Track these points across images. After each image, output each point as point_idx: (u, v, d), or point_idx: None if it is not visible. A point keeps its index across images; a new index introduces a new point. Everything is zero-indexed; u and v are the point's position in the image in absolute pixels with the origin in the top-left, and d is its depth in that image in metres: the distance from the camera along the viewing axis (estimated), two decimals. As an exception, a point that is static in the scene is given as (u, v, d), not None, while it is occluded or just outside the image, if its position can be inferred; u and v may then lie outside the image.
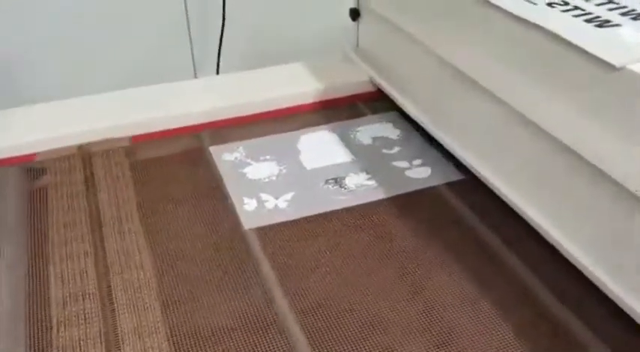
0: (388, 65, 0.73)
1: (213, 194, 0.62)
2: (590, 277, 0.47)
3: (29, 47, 1.00)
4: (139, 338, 0.47)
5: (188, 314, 0.49)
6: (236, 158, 0.67)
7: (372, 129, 0.71)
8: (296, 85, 0.78)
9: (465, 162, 0.60)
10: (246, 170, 0.65)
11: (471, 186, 0.61)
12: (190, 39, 1.10)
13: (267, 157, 0.67)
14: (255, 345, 0.46)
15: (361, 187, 0.62)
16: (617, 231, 0.45)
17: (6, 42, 0.98)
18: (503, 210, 0.57)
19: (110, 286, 0.51)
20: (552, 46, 0.47)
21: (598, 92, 0.44)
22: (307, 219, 0.58)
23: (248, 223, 0.58)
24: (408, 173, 0.64)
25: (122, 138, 0.69)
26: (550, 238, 0.50)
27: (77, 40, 1.02)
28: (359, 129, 0.72)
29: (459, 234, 0.56)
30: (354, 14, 0.79)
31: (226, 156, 0.67)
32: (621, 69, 0.42)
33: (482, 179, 0.58)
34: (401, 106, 0.70)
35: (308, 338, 0.46)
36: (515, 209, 0.54)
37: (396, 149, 0.68)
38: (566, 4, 0.50)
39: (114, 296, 0.50)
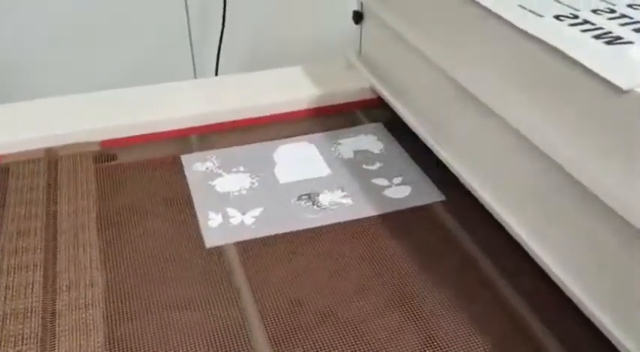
0: (388, 72, 0.70)
1: (179, 207, 0.59)
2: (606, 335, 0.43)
3: (28, 46, 0.98)
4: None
5: (133, 333, 0.46)
6: (207, 168, 0.64)
7: (355, 142, 0.68)
8: (292, 90, 0.75)
9: (461, 180, 0.56)
10: (216, 182, 0.62)
11: (453, 207, 0.58)
12: (191, 40, 1.07)
13: (241, 169, 0.64)
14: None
15: (335, 205, 0.58)
16: (617, 267, 0.41)
17: (5, 41, 0.97)
18: (485, 235, 0.53)
19: (55, 304, 0.48)
20: (555, 62, 0.43)
21: (602, 115, 0.40)
22: (273, 238, 0.55)
23: (210, 241, 0.54)
24: (387, 192, 0.60)
25: (91, 143, 0.66)
26: (552, 274, 0.46)
27: (77, 39, 1.00)
28: (341, 141, 0.68)
29: (435, 261, 0.52)
30: (357, 17, 0.75)
31: (197, 166, 0.64)
32: (629, 92, 0.38)
33: (478, 198, 0.54)
34: (400, 116, 0.66)
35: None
36: (505, 226, 0.51)
37: (377, 165, 0.64)
38: (575, 17, 0.46)
39: (57, 315, 0.47)
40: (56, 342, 0.45)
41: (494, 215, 0.52)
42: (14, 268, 0.51)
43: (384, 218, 0.57)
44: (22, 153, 0.65)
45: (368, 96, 0.75)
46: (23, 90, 0.99)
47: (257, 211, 0.58)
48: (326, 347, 0.45)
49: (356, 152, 0.66)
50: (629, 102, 0.38)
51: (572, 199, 0.44)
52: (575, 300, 0.45)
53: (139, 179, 0.63)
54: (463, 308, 0.48)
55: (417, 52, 0.61)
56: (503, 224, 0.51)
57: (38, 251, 0.53)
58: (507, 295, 0.49)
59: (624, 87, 0.38)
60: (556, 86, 0.44)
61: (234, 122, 0.71)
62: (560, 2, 0.49)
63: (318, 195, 0.60)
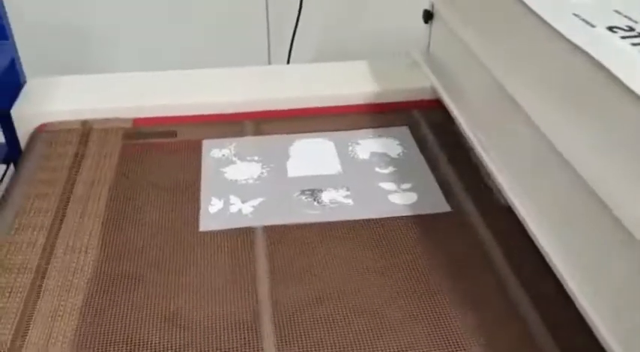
0: (450, 74, 0.68)
1: (187, 189, 0.60)
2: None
3: (106, 21, 1.06)
4: (51, 320, 0.46)
5: (110, 298, 0.48)
6: (224, 155, 0.65)
7: (375, 144, 0.67)
8: (351, 84, 0.75)
9: (502, 191, 0.54)
10: (227, 169, 0.63)
11: (457, 221, 0.55)
12: (268, 26, 1.10)
13: (255, 158, 0.65)
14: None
15: (334, 204, 0.58)
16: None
17: (87, 16, 1.05)
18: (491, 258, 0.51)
19: (48, 264, 0.51)
20: (594, 73, 0.40)
21: (630, 131, 0.38)
22: (265, 229, 0.55)
23: (204, 225, 0.56)
24: (392, 197, 0.59)
25: (124, 120, 0.70)
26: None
27: (153, 18, 1.06)
28: (360, 141, 0.67)
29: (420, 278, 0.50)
30: (427, 16, 0.74)
31: (215, 153, 0.65)
32: None
33: (514, 210, 0.52)
34: (454, 119, 0.64)
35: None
36: (539, 246, 0.48)
37: (390, 169, 0.63)
38: (631, 29, 0.43)
39: (47, 275, 0.50)
40: (39, 300, 0.48)
41: (530, 233, 0.49)
42: (22, 226, 0.55)
43: (378, 222, 0.56)
44: (62, 122, 0.70)
45: (428, 96, 0.74)
46: (97, 61, 1.08)
47: (257, 201, 0.58)
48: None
49: (372, 154, 0.65)
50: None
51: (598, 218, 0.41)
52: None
53: (160, 158, 0.65)
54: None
55: (475, 57, 0.59)
56: (538, 246, 0.48)
57: (48, 214, 0.57)
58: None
59: None
60: (595, 98, 0.42)
61: (288, 111, 0.72)
62: (619, 13, 0.46)
63: (321, 192, 0.59)
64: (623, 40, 0.42)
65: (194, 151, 0.66)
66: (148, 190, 0.60)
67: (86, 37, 1.08)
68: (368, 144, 0.67)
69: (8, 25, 0.72)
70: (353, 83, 0.76)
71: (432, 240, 0.54)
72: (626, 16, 0.46)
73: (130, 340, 0.45)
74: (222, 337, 0.45)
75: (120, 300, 0.48)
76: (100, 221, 0.56)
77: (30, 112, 0.70)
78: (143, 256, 0.53)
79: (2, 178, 0.65)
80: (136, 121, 0.70)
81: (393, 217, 0.56)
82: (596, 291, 0.42)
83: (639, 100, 0.37)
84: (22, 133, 0.70)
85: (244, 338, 0.45)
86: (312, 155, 0.65)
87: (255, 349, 0.44)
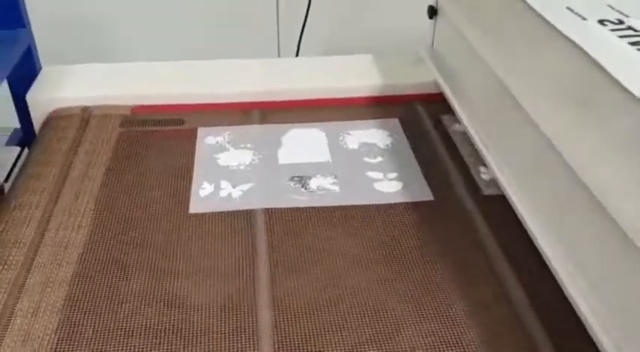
0: (452, 69, 0.69)
1: (179, 173, 0.62)
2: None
3: (120, 12, 1.09)
4: (42, 290, 0.48)
5: (97, 269, 0.50)
6: (217, 142, 0.67)
7: (365, 135, 0.68)
8: (355, 77, 0.77)
9: (500, 186, 0.54)
10: (221, 155, 0.65)
11: (437, 209, 0.57)
12: (278, 20, 1.13)
13: (248, 146, 0.66)
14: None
15: (322, 190, 0.59)
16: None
17: (103, 6, 1.09)
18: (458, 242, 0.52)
19: (42, 239, 0.54)
20: (582, 64, 0.42)
21: (618, 124, 0.39)
22: (252, 213, 0.57)
23: (194, 207, 0.58)
24: (377, 185, 0.60)
25: (122, 107, 0.72)
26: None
27: (167, 10, 1.09)
28: (351, 132, 0.69)
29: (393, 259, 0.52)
30: (432, 12, 0.75)
31: (209, 140, 0.67)
32: None
33: (514, 209, 0.52)
34: (456, 115, 0.66)
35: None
36: (535, 242, 0.49)
37: (378, 159, 0.64)
38: (621, 22, 0.45)
39: (39, 250, 0.53)
40: (30, 273, 0.50)
41: (525, 225, 0.50)
42: (20, 205, 0.57)
43: (362, 209, 0.57)
44: (70, 108, 0.72)
45: (431, 90, 0.75)
46: (107, 49, 1.11)
47: (247, 186, 0.60)
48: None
49: (362, 144, 0.67)
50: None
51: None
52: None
53: (156, 144, 0.67)
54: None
55: (475, 53, 0.60)
56: (532, 237, 0.49)
57: (45, 193, 0.59)
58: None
59: (638, 94, 0.36)
60: (583, 91, 0.42)
61: (294, 102, 0.74)
62: (612, 8, 0.48)
63: (309, 179, 0.61)
64: (612, 32, 0.43)
65: (191, 138, 0.68)
66: (143, 174, 0.62)
67: (101, 26, 1.12)
68: (358, 135, 0.68)
69: (25, 13, 0.75)
70: (357, 76, 0.77)
71: (412, 225, 0.55)
72: (617, 11, 0.47)
73: (116, 309, 0.47)
74: (212, 312, 0.47)
75: (108, 273, 0.50)
76: (93, 200, 0.59)
77: (43, 98, 0.73)
78: (132, 234, 0.55)
79: (16, 161, 0.67)
80: (143, 108, 0.72)
81: (377, 204, 0.58)
82: (592, 287, 0.42)
83: (626, 91, 0.37)
84: (36, 118, 0.72)
85: (232, 314, 0.47)
86: (303, 144, 0.67)
87: (248, 323, 0.46)
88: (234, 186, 0.60)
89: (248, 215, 0.57)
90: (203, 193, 0.59)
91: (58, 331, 0.45)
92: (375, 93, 0.76)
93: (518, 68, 0.52)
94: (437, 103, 0.73)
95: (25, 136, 0.74)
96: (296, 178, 0.61)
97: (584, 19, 0.46)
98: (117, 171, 0.63)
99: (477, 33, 0.61)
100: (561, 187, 0.46)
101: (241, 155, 0.65)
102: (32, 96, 0.73)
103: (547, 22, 0.47)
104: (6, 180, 0.62)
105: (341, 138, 0.68)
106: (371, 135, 0.68)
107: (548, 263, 0.46)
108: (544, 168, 0.49)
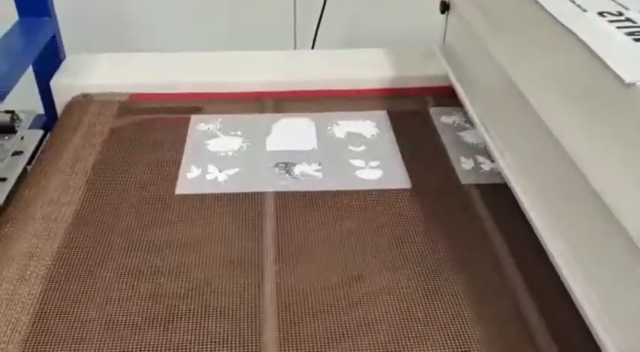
0: (463, 64, 0.71)
1: (170, 157, 0.65)
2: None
3: (142, 3, 1.13)
4: (29, 259, 0.51)
5: (84, 239, 0.53)
6: (209, 129, 0.69)
7: (353, 125, 0.70)
8: (366, 69, 0.79)
9: (508, 183, 0.55)
10: (211, 141, 0.67)
11: (416, 195, 0.59)
12: (295, 13, 1.15)
13: (238, 133, 0.69)
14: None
15: (305, 176, 0.61)
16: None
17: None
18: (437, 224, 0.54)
19: (35, 213, 0.56)
20: (580, 54, 0.43)
21: (613, 112, 0.40)
22: (236, 196, 0.59)
23: (180, 189, 0.60)
24: (358, 172, 0.62)
25: (120, 94, 0.75)
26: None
27: (186, 2, 1.12)
28: (340, 122, 0.70)
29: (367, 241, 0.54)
30: (444, 7, 0.76)
31: (201, 126, 0.70)
32: (631, 86, 0.37)
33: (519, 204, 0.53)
34: (466, 110, 0.67)
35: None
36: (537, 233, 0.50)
37: (362, 148, 0.66)
38: (620, 14, 0.46)
39: (31, 222, 0.55)
40: (13, 243, 0.53)
41: (532, 223, 0.50)
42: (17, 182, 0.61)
43: (342, 194, 0.59)
44: (85, 95, 0.75)
45: (442, 83, 0.76)
46: (132, 42, 1.15)
47: (233, 171, 0.62)
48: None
49: (348, 134, 0.68)
50: (634, 97, 0.37)
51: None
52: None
53: (151, 129, 0.70)
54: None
55: (484, 47, 0.61)
56: (536, 231, 0.50)
57: (41, 173, 0.62)
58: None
59: (627, 80, 0.37)
60: (581, 80, 0.43)
61: (306, 92, 0.76)
62: (613, 0, 0.49)
63: (294, 165, 0.63)
64: (610, 23, 0.44)
65: (184, 124, 0.71)
66: (137, 157, 0.65)
67: (123, 17, 1.15)
68: (346, 125, 0.70)
69: (51, 2, 0.77)
70: (368, 68, 0.79)
71: (387, 210, 0.57)
72: (619, 4, 0.48)
73: (94, 276, 0.50)
74: (189, 278, 0.50)
75: (91, 246, 0.53)
76: (84, 178, 0.61)
77: (66, 85, 0.75)
78: (120, 211, 0.57)
79: (40, 144, 0.70)
80: (156, 96, 0.75)
81: (357, 190, 0.59)
82: (589, 279, 0.43)
83: (618, 79, 0.38)
84: (59, 104, 0.75)
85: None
86: (291, 132, 0.69)
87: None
88: (220, 171, 0.62)
89: (228, 197, 0.59)
90: (190, 176, 0.62)
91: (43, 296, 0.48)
92: (385, 86, 0.77)
93: (523, 60, 0.53)
94: (435, 96, 0.75)
95: (48, 121, 0.77)
96: (281, 164, 0.63)
97: (585, 10, 0.47)
98: (111, 150, 0.65)
99: (484, 26, 0.62)
100: (563, 178, 0.46)
101: (231, 142, 0.67)
102: (56, 83, 0.75)
103: (548, 13, 0.48)
104: (29, 162, 0.66)
105: (329, 127, 0.70)
106: (358, 126, 0.70)
107: (545, 248, 0.47)
108: (548, 161, 0.49)
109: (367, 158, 0.64)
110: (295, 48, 1.18)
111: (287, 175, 0.62)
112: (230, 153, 0.65)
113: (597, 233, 0.42)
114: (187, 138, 0.68)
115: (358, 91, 0.77)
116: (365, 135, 0.68)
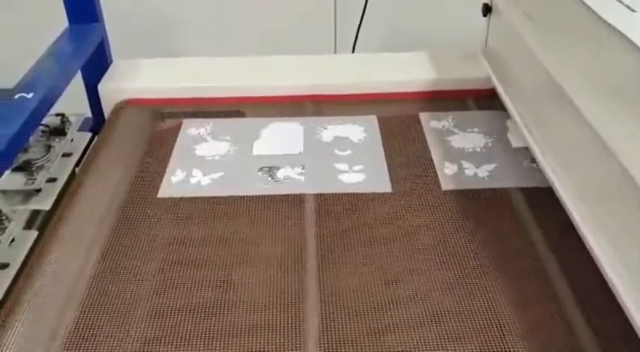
0: (506, 67, 0.70)
1: (158, 161, 0.66)
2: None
3: (188, 10, 1.16)
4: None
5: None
6: (199, 133, 0.70)
7: (341, 130, 0.70)
8: (406, 72, 0.79)
9: (550, 183, 0.54)
10: (199, 146, 0.68)
11: (397, 198, 0.59)
12: (335, 17, 1.17)
13: (227, 137, 0.69)
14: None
15: (288, 180, 0.62)
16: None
17: (171, 4, 1.16)
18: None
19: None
20: (629, 55, 0.42)
21: None
22: (218, 199, 0.60)
23: (163, 192, 0.61)
24: (341, 176, 0.62)
25: (164, 98, 0.76)
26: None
27: (230, 9, 1.15)
28: (328, 127, 0.70)
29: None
30: (486, 10, 0.75)
31: (192, 131, 0.71)
32: None
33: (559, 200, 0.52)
34: (507, 110, 0.66)
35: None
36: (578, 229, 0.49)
37: (348, 152, 0.66)
38: None
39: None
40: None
41: (575, 224, 0.49)
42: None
43: (321, 197, 0.59)
44: (132, 100, 0.77)
45: (484, 86, 0.76)
46: (175, 46, 1.18)
47: (217, 175, 0.63)
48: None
49: (336, 138, 0.68)
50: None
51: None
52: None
53: (150, 133, 0.71)
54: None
55: (528, 49, 0.60)
56: (580, 233, 0.49)
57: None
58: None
59: None
60: (630, 81, 0.42)
61: (343, 96, 0.77)
62: None
63: (278, 169, 0.63)
64: None
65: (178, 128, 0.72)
66: (125, 158, 0.66)
67: (169, 23, 1.18)
68: (334, 130, 0.70)
69: (100, 8, 0.79)
70: (408, 72, 0.79)
71: (361, 213, 0.57)
72: None
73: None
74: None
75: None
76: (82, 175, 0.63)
77: (113, 89, 0.77)
78: (106, 209, 0.59)
79: (88, 146, 0.72)
80: (199, 100, 0.76)
81: (336, 193, 0.59)
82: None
83: None
84: (106, 107, 0.77)
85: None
86: (279, 137, 0.69)
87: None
88: (205, 175, 0.63)
89: (211, 201, 0.60)
90: (174, 180, 0.63)
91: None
92: (426, 89, 0.77)
93: (569, 62, 0.52)
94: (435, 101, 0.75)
95: (96, 123, 0.78)
96: (265, 169, 0.64)
97: (634, 11, 0.45)
98: (110, 149, 0.68)
99: (529, 28, 0.61)
100: (609, 179, 0.45)
101: (218, 146, 0.68)
102: (103, 87, 0.77)
103: (594, 14, 0.46)
104: (77, 163, 0.68)
105: (317, 131, 0.70)
106: (346, 130, 0.69)
107: (591, 253, 0.46)
108: (592, 161, 0.48)
109: (351, 162, 0.64)
110: (335, 52, 1.20)
111: (269, 179, 0.62)
112: (217, 158, 0.66)
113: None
114: (176, 142, 0.68)
115: (397, 94, 0.77)
116: (352, 139, 0.67)
